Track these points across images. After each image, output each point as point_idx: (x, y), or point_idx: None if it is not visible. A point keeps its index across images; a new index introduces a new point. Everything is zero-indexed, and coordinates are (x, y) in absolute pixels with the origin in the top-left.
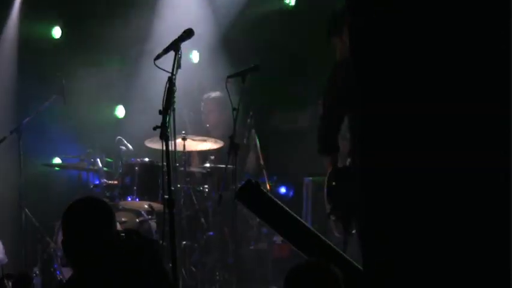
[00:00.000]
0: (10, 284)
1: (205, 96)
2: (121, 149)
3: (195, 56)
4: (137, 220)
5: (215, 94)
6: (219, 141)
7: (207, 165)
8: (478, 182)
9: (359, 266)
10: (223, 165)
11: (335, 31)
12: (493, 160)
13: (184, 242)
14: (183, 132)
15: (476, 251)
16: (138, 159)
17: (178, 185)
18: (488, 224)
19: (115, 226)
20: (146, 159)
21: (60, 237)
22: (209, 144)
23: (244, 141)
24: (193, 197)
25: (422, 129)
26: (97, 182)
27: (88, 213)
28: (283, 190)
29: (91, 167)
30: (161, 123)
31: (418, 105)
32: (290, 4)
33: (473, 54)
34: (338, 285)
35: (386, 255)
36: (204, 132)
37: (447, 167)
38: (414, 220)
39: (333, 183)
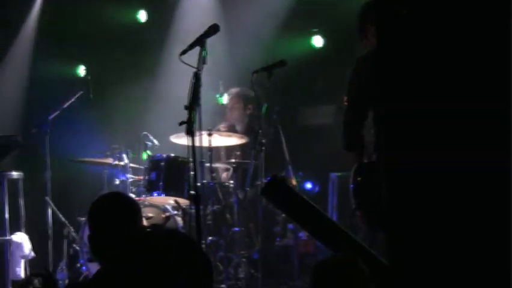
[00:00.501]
0: (36, 282)
1: (230, 91)
2: (147, 144)
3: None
4: (163, 216)
5: (240, 89)
6: (244, 136)
7: (232, 160)
8: (485, 179)
9: (385, 262)
10: (249, 161)
11: (362, 25)
12: (499, 158)
13: (210, 238)
14: (209, 127)
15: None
16: (164, 155)
17: (204, 181)
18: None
19: (141, 221)
20: (172, 155)
21: (86, 233)
22: (234, 140)
23: (270, 137)
24: (219, 193)
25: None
26: (123, 178)
27: (113, 209)
28: (308, 186)
29: (117, 162)
30: (187, 119)
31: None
32: None
33: (480, 54)
34: (365, 280)
35: (410, 250)
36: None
37: (460, 165)
38: (436, 216)
39: (359, 178)
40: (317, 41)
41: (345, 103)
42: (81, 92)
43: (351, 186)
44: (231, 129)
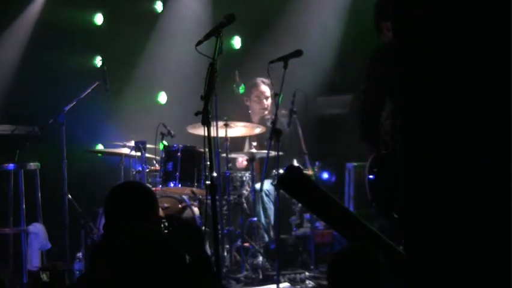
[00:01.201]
0: (45, 276)
1: (257, 80)
2: (163, 135)
3: (236, 42)
4: (179, 206)
5: (265, 79)
6: (261, 126)
7: (249, 150)
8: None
9: (402, 252)
10: (265, 151)
11: (377, 21)
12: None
13: (227, 228)
14: (225, 118)
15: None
16: (180, 145)
17: (221, 171)
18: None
19: (158, 211)
20: (188, 145)
21: (103, 223)
22: (251, 130)
23: (287, 127)
24: (236, 183)
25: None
26: (139, 168)
27: (129, 198)
28: (325, 176)
29: (134, 153)
30: (203, 109)
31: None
32: None
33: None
34: (382, 270)
35: (426, 240)
36: (245, 118)
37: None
38: (453, 206)
39: (375, 169)
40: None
41: (362, 93)
42: (97, 83)
43: (368, 176)
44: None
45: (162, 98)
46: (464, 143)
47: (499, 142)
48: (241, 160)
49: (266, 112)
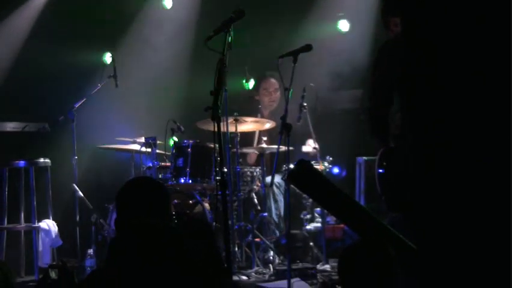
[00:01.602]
0: (54, 273)
1: (265, 74)
2: (173, 130)
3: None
4: (190, 202)
5: (274, 74)
6: (271, 121)
7: (260, 145)
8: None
9: (413, 245)
10: (275, 146)
11: (384, 17)
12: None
13: (238, 223)
14: (235, 113)
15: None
16: (190, 141)
17: (231, 166)
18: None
19: (170, 207)
20: (198, 141)
21: (114, 220)
22: (261, 125)
23: (297, 122)
24: (246, 178)
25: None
26: (150, 164)
27: (141, 193)
28: (336, 170)
29: (144, 149)
30: (213, 104)
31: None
32: None
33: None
34: (392, 264)
35: (436, 234)
36: (255, 113)
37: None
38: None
39: (384, 163)
40: (343, 26)
41: (370, 87)
42: (107, 80)
43: (377, 170)
44: (260, 115)
45: (172, 93)
46: (466, 141)
47: (500, 140)
48: (252, 155)
49: (275, 105)
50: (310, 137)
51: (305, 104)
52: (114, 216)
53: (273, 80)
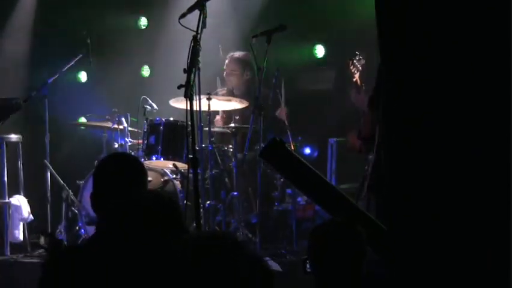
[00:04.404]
0: (42, 239)
1: (229, 55)
2: (146, 108)
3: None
4: (161, 180)
5: (238, 54)
6: (243, 101)
7: (232, 125)
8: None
9: (382, 225)
10: (248, 125)
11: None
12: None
13: (208, 202)
14: (208, 91)
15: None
16: (163, 119)
17: (203, 145)
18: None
19: (146, 184)
20: (171, 119)
21: (85, 196)
22: (234, 104)
23: (269, 102)
24: (218, 157)
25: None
26: (122, 141)
27: (119, 168)
28: (307, 151)
29: (116, 126)
30: (186, 82)
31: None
32: None
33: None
34: (362, 244)
35: (407, 214)
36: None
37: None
38: (433, 185)
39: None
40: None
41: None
42: (81, 55)
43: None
44: (230, 94)
45: (146, 71)
46: (462, 140)
47: (499, 139)
48: (219, 118)
49: (239, 87)
50: (282, 117)
51: (278, 84)
52: (85, 192)
53: (227, 61)
